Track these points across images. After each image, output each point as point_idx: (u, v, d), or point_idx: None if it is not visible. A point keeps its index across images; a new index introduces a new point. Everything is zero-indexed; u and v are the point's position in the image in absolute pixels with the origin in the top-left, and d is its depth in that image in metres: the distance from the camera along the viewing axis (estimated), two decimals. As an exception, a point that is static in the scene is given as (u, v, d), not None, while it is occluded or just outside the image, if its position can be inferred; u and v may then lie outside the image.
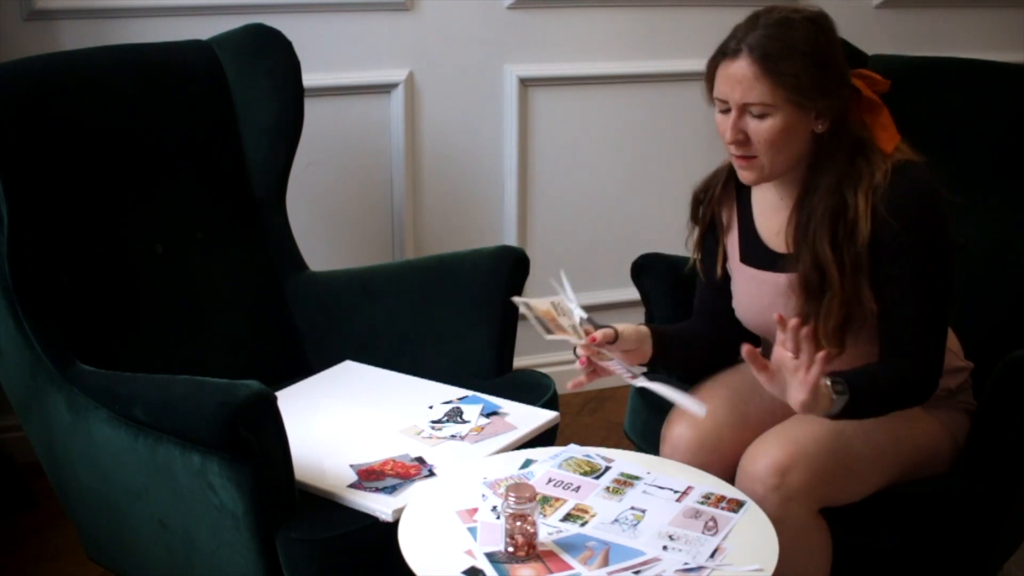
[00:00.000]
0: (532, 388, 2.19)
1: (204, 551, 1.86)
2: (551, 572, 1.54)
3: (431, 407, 2.11)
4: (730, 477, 1.91)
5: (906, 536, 1.91)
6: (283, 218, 2.46)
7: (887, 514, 1.88)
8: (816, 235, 1.80)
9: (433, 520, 1.67)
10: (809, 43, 1.76)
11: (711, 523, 1.65)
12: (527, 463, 1.82)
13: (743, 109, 1.78)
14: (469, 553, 1.58)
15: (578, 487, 1.75)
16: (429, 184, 3.03)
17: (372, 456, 1.92)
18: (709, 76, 1.84)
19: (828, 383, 1.68)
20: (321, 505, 1.82)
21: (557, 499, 1.71)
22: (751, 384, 1.98)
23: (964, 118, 2.30)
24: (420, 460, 1.91)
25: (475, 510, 1.68)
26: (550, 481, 1.76)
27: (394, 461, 1.91)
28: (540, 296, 1.88)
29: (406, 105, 2.93)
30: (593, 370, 1.84)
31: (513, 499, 1.56)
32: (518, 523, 1.56)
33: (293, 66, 2.39)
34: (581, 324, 1.84)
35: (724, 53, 1.80)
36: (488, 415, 2.07)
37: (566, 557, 1.57)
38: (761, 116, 1.77)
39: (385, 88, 2.92)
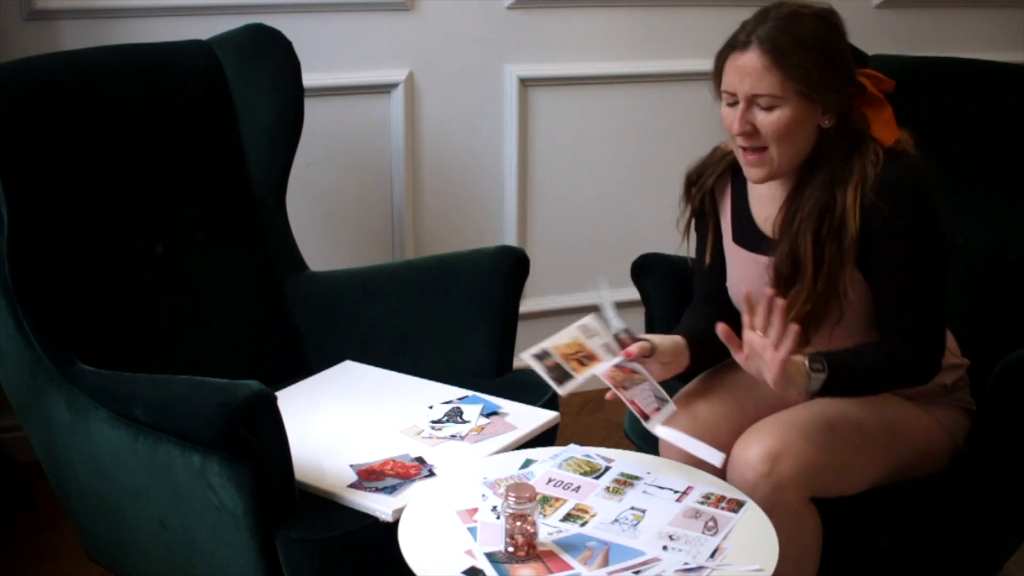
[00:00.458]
0: (532, 388, 2.18)
1: (204, 551, 1.86)
2: (551, 572, 1.54)
3: (431, 407, 2.11)
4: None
5: (906, 536, 1.91)
6: (283, 218, 2.46)
7: (886, 512, 1.88)
8: (801, 228, 1.82)
9: (433, 520, 1.67)
10: (818, 37, 1.78)
11: (711, 523, 1.65)
12: (527, 463, 1.82)
13: (751, 101, 1.79)
14: (469, 553, 1.58)
15: (578, 487, 1.75)
16: (429, 184, 3.03)
17: (372, 456, 1.92)
18: (717, 69, 1.86)
19: (806, 362, 1.72)
20: (321, 505, 1.82)
21: (557, 499, 1.71)
22: (747, 379, 1.98)
23: (964, 118, 2.30)
24: (420, 460, 1.91)
25: (475, 510, 1.68)
26: (550, 481, 1.76)
27: (394, 461, 1.91)
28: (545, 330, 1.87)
29: (406, 105, 2.93)
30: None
31: (513, 499, 1.56)
32: (518, 523, 1.56)
33: (293, 66, 2.39)
34: (618, 336, 1.83)
35: (733, 46, 1.82)
36: (488, 415, 2.07)
37: (566, 557, 1.57)
38: (770, 108, 1.78)
39: (385, 88, 2.92)
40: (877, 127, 1.85)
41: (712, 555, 1.58)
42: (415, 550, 1.59)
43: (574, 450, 1.86)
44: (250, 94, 2.39)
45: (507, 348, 2.30)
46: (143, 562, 2.02)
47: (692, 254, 2.09)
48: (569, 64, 3.08)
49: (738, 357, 1.73)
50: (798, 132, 1.80)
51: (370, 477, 1.86)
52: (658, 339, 1.88)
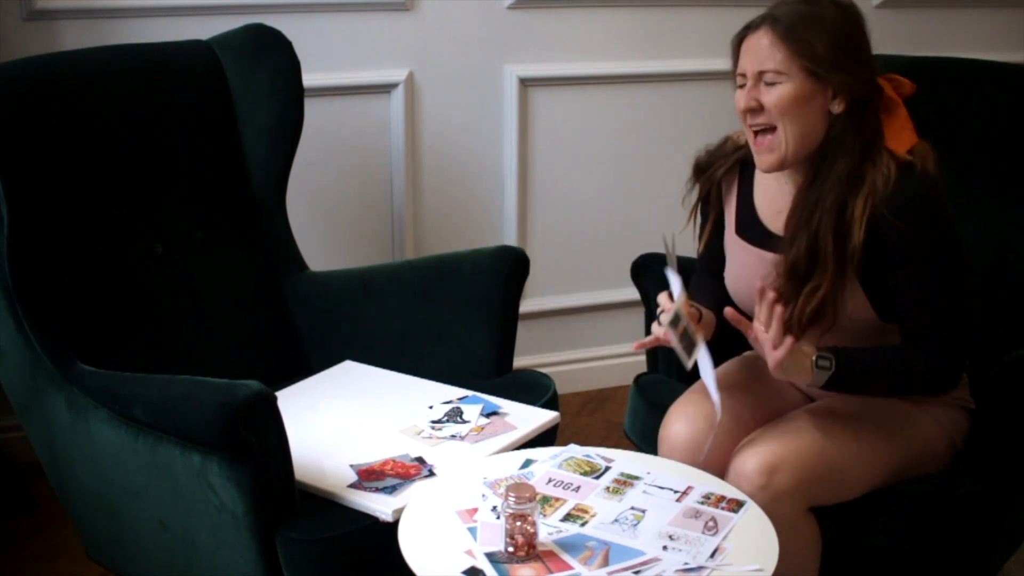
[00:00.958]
0: (532, 388, 2.19)
1: (204, 551, 1.86)
2: (551, 572, 1.54)
3: (431, 407, 2.11)
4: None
5: (906, 536, 1.91)
6: (283, 218, 2.46)
7: (886, 514, 1.88)
8: (821, 224, 1.80)
9: (433, 520, 1.67)
10: (830, 20, 1.79)
11: (711, 523, 1.65)
12: (527, 463, 1.82)
13: (759, 78, 1.80)
14: (469, 553, 1.58)
15: (578, 487, 1.75)
16: (429, 184, 3.03)
17: (372, 456, 1.92)
18: (735, 53, 1.86)
19: (813, 356, 1.76)
20: (321, 505, 1.82)
21: (557, 499, 1.71)
22: (747, 385, 1.99)
23: (964, 118, 2.30)
24: (420, 460, 1.91)
25: (475, 510, 1.68)
26: (550, 481, 1.76)
27: (394, 461, 1.91)
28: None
29: (406, 105, 2.93)
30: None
31: (513, 499, 1.56)
32: (518, 523, 1.56)
33: (293, 66, 2.39)
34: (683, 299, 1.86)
35: (748, 27, 1.83)
36: (488, 415, 2.07)
37: (566, 557, 1.57)
38: (774, 84, 1.79)
39: (385, 88, 2.92)
40: (891, 135, 1.83)
41: (712, 555, 1.58)
42: (415, 550, 1.59)
43: (574, 450, 1.86)
44: (250, 94, 2.39)
45: (507, 348, 2.30)
46: (143, 562, 2.02)
47: (698, 234, 2.10)
48: (569, 64, 3.08)
49: (749, 337, 1.77)
50: (805, 111, 1.79)
51: (370, 477, 1.86)
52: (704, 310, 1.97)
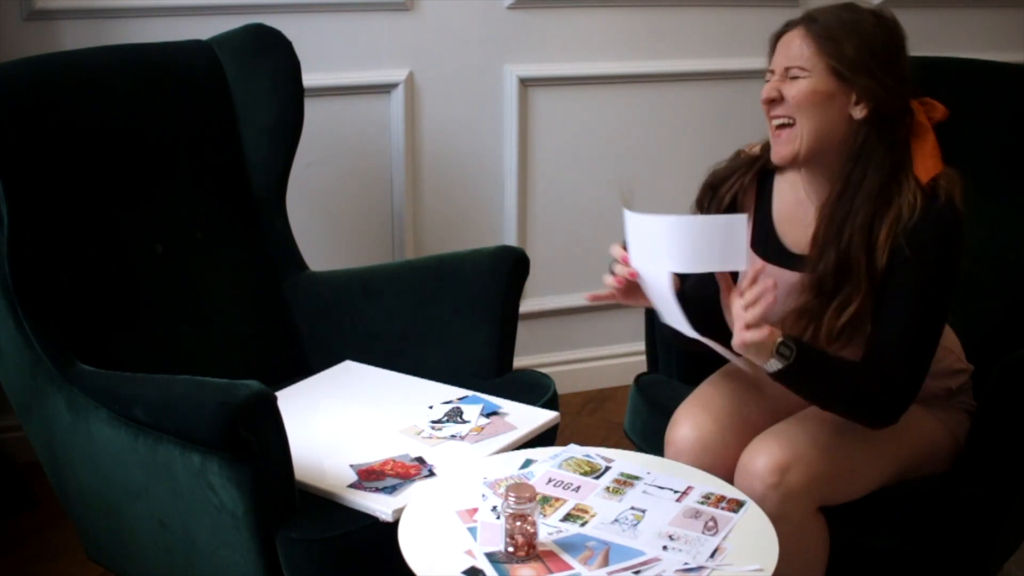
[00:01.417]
0: (532, 388, 2.19)
1: (204, 551, 1.86)
2: (551, 572, 1.54)
3: (431, 407, 2.11)
4: (732, 479, 1.91)
5: (906, 536, 1.91)
6: (283, 218, 2.46)
7: (887, 513, 1.88)
8: (852, 240, 1.79)
9: (433, 520, 1.67)
10: (865, 27, 1.80)
11: (711, 523, 1.65)
12: (527, 463, 1.82)
13: (785, 72, 1.81)
14: (469, 553, 1.58)
15: (578, 487, 1.75)
16: (429, 184, 3.03)
17: (372, 456, 1.92)
18: (771, 50, 1.87)
19: (779, 339, 1.71)
20: (321, 505, 1.82)
21: (557, 499, 1.71)
22: (754, 387, 1.98)
23: (964, 118, 2.30)
24: (420, 460, 1.91)
25: (475, 510, 1.68)
26: (550, 481, 1.76)
27: (394, 461, 1.91)
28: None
29: (406, 105, 2.93)
30: (624, 292, 1.83)
31: (513, 499, 1.56)
32: (518, 523, 1.56)
33: (293, 66, 2.39)
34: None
35: (787, 25, 1.85)
36: (488, 415, 2.07)
37: (566, 557, 1.57)
38: (797, 78, 1.80)
39: (385, 88, 2.92)
40: (918, 161, 1.81)
41: (712, 555, 1.58)
42: (415, 550, 1.59)
43: (574, 450, 1.86)
44: (250, 94, 2.39)
45: (507, 348, 2.30)
46: (143, 562, 2.02)
47: None
48: (569, 64, 3.08)
49: (723, 298, 1.76)
50: (824, 108, 1.79)
51: (370, 477, 1.86)
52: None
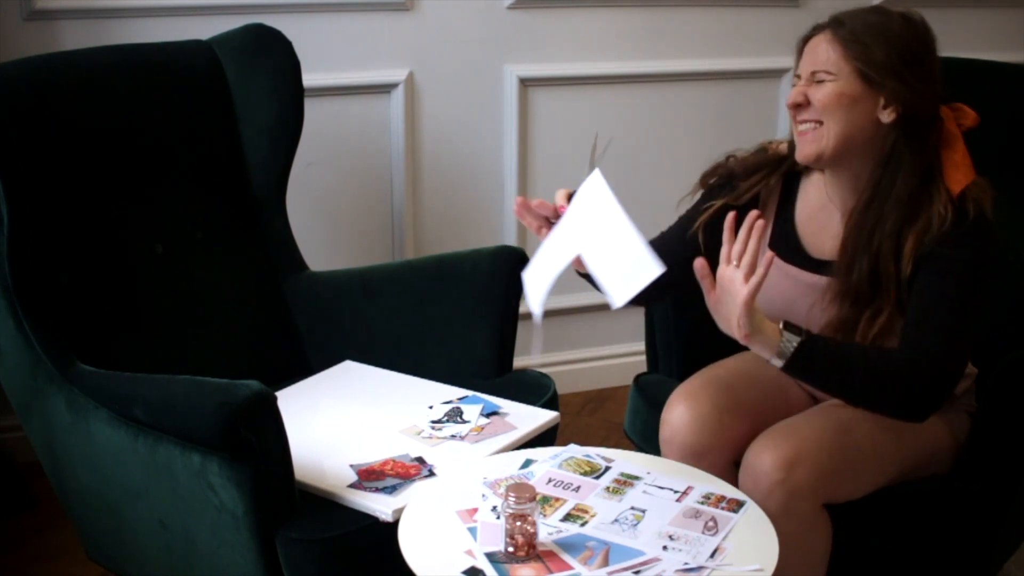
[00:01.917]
0: (532, 388, 2.19)
1: (204, 551, 1.86)
2: (551, 572, 1.54)
3: (431, 407, 2.11)
4: (729, 462, 1.91)
5: (906, 535, 1.91)
6: (283, 218, 2.46)
7: (888, 513, 1.88)
8: (881, 247, 1.78)
9: (433, 520, 1.67)
10: (894, 31, 1.78)
11: (711, 523, 1.65)
12: (527, 463, 1.82)
13: (812, 77, 1.80)
14: (469, 553, 1.58)
15: (578, 487, 1.75)
16: (429, 184, 3.03)
17: (372, 456, 1.92)
18: (798, 53, 1.86)
19: (780, 324, 1.67)
20: (321, 505, 1.82)
21: (557, 499, 1.71)
22: (750, 372, 1.99)
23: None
24: (420, 460, 1.91)
25: (475, 510, 1.68)
26: (550, 481, 1.76)
27: (394, 461, 1.91)
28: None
29: (406, 105, 2.93)
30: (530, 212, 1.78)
31: (513, 499, 1.56)
32: (518, 523, 1.56)
33: (293, 66, 2.39)
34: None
35: (815, 28, 1.83)
36: (488, 415, 2.07)
37: (566, 557, 1.57)
38: (823, 82, 1.78)
39: (385, 88, 2.92)
40: (949, 171, 1.80)
41: (712, 555, 1.58)
42: (415, 550, 1.59)
43: (574, 450, 1.86)
44: (250, 94, 2.39)
45: (507, 348, 2.31)
46: (143, 562, 2.02)
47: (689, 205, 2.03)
48: (569, 64, 3.08)
49: (708, 300, 1.69)
50: (851, 111, 1.77)
51: (370, 477, 1.86)
52: None
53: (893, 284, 1.77)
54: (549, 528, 1.63)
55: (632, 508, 1.69)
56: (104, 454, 1.94)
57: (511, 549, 1.57)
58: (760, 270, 1.63)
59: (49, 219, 2.09)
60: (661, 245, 1.99)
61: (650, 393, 2.19)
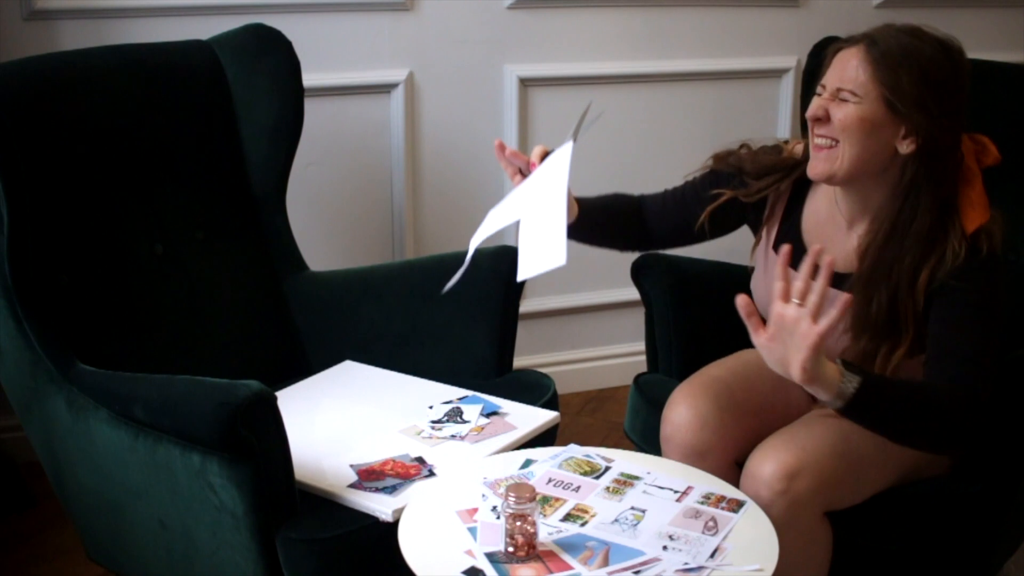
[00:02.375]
0: (532, 388, 2.19)
1: (204, 551, 1.86)
2: (551, 572, 1.54)
3: (431, 407, 2.11)
4: (731, 461, 1.91)
5: (906, 536, 1.91)
6: (283, 218, 2.46)
7: (887, 514, 1.88)
8: (900, 282, 1.75)
9: (433, 520, 1.67)
10: (928, 59, 1.73)
11: (711, 523, 1.65)
12: (527, 463, 1.82)
13: (836, 93, 1.75)
14: (469, 553, 1.58)
15: (578, 487, 1.75)
16: (429, 184, 3.03)
17: (372, 456, 1.92)
18: (827, 63, 1.81)
19: (838, 360, 1.60)
20: (321, 505, 1.82)
21: (557, 499, 1.71)
22: (751, 371, 1.99)
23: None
24: (420, 460, 1.91)
25: (475, 510, 1.68)
26: (550, 481, 1.76)
27: (394, 461, 1.91)
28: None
29: (406, 105, 2.93)
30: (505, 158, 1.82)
31: (513, 499, 1.56)
32: (518, 523, 1.56)
33: (293, 66, 2.39)
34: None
35: (846, 41, 1.79)
36: (488, 415, 2.07)
37: (566, 557, 1.57)
38: (847, 101, 1.74)
39: (385, 88, 2.92)
40: (965, 208, 1.76)
41: (712, 555, 1.58)
42: (415, 550, 1.59)
43: (574, 450, 1.86)
44: (250, 94, 2.39)
45: (507, 348, 2.30)
46: (143, 562, 2.02)
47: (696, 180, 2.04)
48: (569, 64, 3.08)
49: (758, 339, 1.59)
50: (869, 136, 1.74)
51: (370, 477, 1.86)
52: (571, 195, 1.90)
53: (911, 318, 1.75)
54: (549, 528, 1.63)
55: (632, 508, 1.69)
56: (104, 454, 1.94)
57: (511, 549, 1.57)
58: (835, 313, 1.53)
59: (49, 219, 2.09)
60: (660, 204, 2.06)
61: (650, 393, 2.19)
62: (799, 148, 1.95)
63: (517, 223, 1.73)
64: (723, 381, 1.98)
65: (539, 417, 2.06)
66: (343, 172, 2.95)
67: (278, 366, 2.35)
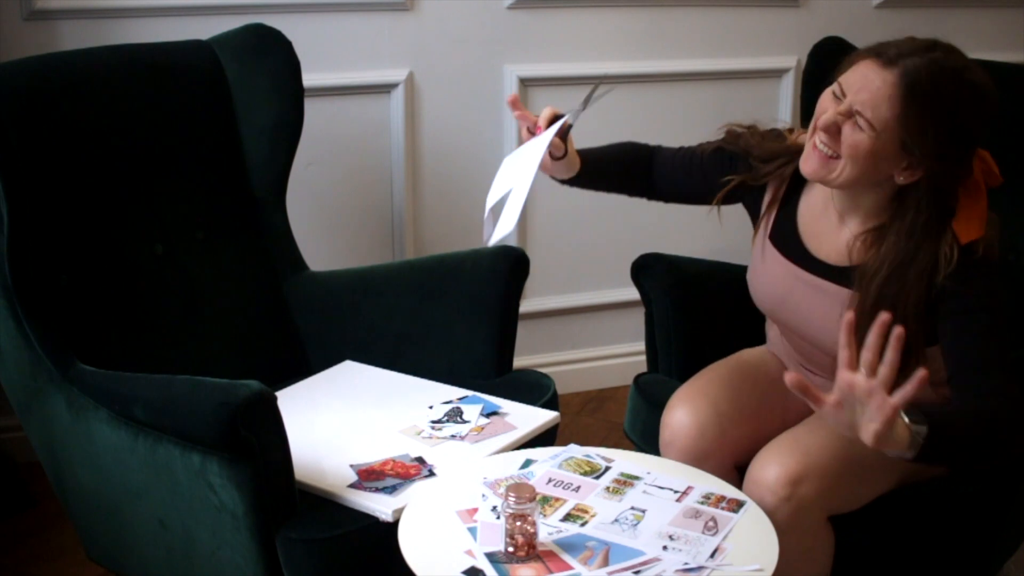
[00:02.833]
0: (532, 388, 2.19)
1: (204, 551, 1.86)
2: (551, 572, 1.54)
3: (431, 407, 2.11)
4: (730, 465, 1.91)
5: (906, 537, 1.91)
6: (283, 218, 2.46)
7: (887, 514, 1.88)
8: (907, 316, 1.71)
9: (433, 520, 1.67)
10: (959, 104, 1.66)
11: (711, 523, 1.65)
12: (527, 463, 1.82)
13: (853, 112, 1.68)
14: (469, 553, 1.58)
15: (578, 487, 1.75)
16: (429, 184, 3.03)
17: (372, 456, 1.92)
18: (850, 61, 1.73)
19: (901, 414, 1.51)
20: (321, 505, 1.82)
21: (557, 499, 1.71)
22: (750, 374, 1.99)
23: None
24: (420, 460, 1.91)
25: (475, 510, 1.68)
26: (550, 481, 1.76)
27: (394, 461, 1.91)
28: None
29: (406, 105, 2.93)
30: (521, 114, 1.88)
31: (513, 499, 1.56)
32: (518, 523, 1.57)
33: (293, 66, 2.39)
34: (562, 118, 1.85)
35: (879, 54, 1.68)
36: (488, 415, 2.07)
37: (566, 557, 1.57)
38: (862, 129, 1.68)
39: (385, 88, 2.92)
40: (961, 220, 1.73)
41: (712, 555, 1.58)
42: (415, 550, 1.59)
43: (574, 450, 1.86)
44: (250, 94, 2.39)
45: (507, 348, 2.30)
46: (143, 562, 2.02)
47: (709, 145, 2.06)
48: (569, 64, 3.08)
49: (821, 408, 1.52)
50: (874, 165, 1.70)
51: (370, 477, 1.86)
52: (572, 149, 1.96)
53: (921, 343, 1.73)
54: (549, 528, 1.63)
55: (632, 508, 1.69)
56: (104, 454, 1.94)
57: (511, 549, 1.57)
58: (909, 387, 1.44)
59: (49, 219, 2.09)
60: (670, 164, 2.08)
61: (650, 393, 2.19)
62: (803, 139, 1.95)
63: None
64: (722, 384, 1.98)
65: (539, 417, 2.06)
66: (343, 172, 2.94)
67: (278, 366, 2.35)
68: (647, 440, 2.14)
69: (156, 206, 2.28)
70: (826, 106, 1.73)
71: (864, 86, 1.67)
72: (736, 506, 1.69)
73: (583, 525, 1.65)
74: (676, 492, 1.73)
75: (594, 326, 3.32)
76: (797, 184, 1.94)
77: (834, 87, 1.73)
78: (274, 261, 2.44)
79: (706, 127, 2.69)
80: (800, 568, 1.73)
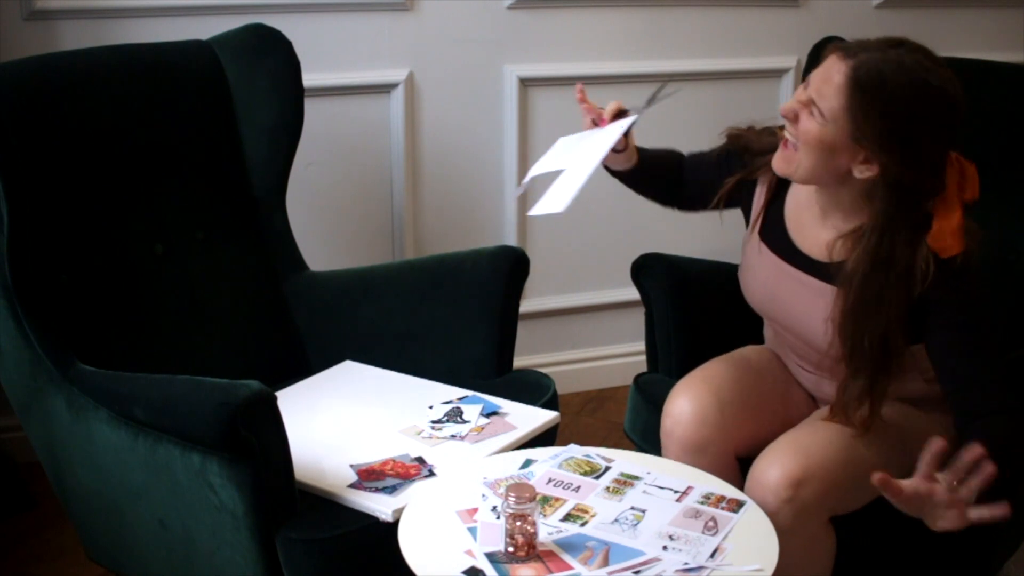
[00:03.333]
0: (532, 388, 2.19)
1: (204, 551, 1.86)
2: (551, 572, 1.54)
3: (431, 407, 2.11)
4: (731, 455, 1.91)
5: (906, 537, 1.91)
6: (283, 218, 2.46)
7: (888, 516, 1.88)
8: (890, 315, 1.73)
9: (433, 520, 1.67)
10: (907, 101, 1.67)
11: (711, 523, 1.65)
12: (527, 463, 1.82)
13: (810, 103, 1.72)
14: (469, 553, 1.58)
15: (578, 487, 1.75)
16: (429, 184, 3.03)
17: (372, 456, 1.92)
18: (822, 57, 1.76)
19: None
20: (321, 505, 1.82)
21: (557, 499, 1.71)
22: (752, 366, 2.00)
23: (963, 118, 2.30)
24: (420, 460, 1.91)
25: (475, 510, 1.68)
26: (550, 481, 1.76)
27: (394, 461, 1.91)
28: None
29: (406, 105, 2.93)
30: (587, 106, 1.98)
31: (513, 499, 1.56)
32: (518, 523, 1.57)
33: (293, 66, 2.39)
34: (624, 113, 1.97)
35: (845, 49, 1.72)
36: (488, 415, 2.07)
37: (566, 557, 1.57)
38: (814, 117, 1.72)
39: (385, 88, 2.92)
40: (936, 235, 1.72)
41: (712, 555, 1.58)
42: (415, 550, 1.59)
43: (574, 450, 1.86)
44: (250, 94, 2.39)
45: (507, 348, 2.30)
46: (143, 562, 2.02)
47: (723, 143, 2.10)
48: (569, 64, 3.08)
49: (898, 502, 1.60)
50: (826, 155, 1.72)
51: (370, 477, 1.86)
52: (636, 147, 2.10)
53: (902, 345, 1.76)
54: (549, 528, 1.63)
55: (632, 508, 1.69)
56: (104, 454, 1.94)
57: (511, 549, 1.57)
58: (972, 484, 1.56)
59: (49, 219, 2.09)
60: (688, 168, 2.15)
61: (650, 393, 2.19)
62: None
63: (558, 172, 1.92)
64: (724, 376, 1.98)
65: (539, 417, 2.06)
66: (343, 172, 2.94)
67: (278, 366, 2.35)
68: (647, 440, 2.14)
69: (156, 206, 2.28)
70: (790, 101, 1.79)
71: (825, 78, 1.72)
72: (736, 506, 1.69)
73: (583, 525, 1.65)
74: (676, 492, 1.73)
75: (594, 326, 3.32)
76: (786, 180, 1.95)
77: (805, 81, 1.79)
78: (274, 261, 2.44)
79: (706, 127, 2.69)
80: (802, 569, 1.73)
